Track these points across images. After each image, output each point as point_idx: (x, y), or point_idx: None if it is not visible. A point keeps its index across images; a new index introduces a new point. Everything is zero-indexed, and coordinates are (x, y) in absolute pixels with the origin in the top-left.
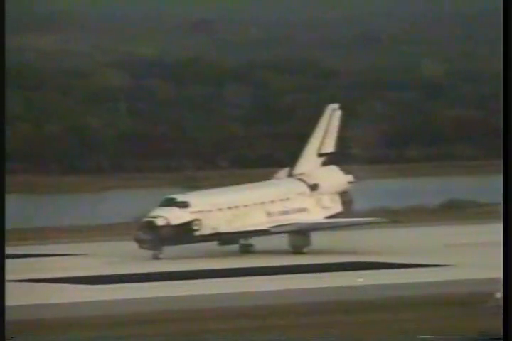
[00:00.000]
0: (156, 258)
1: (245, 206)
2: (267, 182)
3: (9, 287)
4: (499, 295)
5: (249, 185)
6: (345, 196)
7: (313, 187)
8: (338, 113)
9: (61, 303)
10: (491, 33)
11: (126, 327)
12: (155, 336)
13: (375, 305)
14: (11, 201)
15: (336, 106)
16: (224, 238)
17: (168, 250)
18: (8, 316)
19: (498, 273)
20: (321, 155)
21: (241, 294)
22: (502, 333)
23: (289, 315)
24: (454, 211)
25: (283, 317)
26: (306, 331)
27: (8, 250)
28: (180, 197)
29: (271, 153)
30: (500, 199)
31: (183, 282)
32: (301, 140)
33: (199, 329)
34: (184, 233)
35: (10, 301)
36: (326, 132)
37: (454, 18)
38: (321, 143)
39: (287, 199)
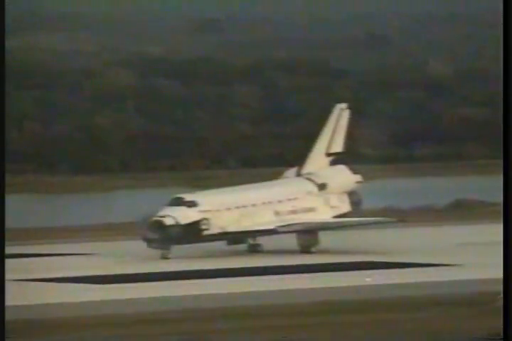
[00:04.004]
0: (164, 257)
1: (253, 205)
2: (275, 181)
3: (16, 286)
4: None
5: (258, 185)
6: (353, 195)
7: (322, 187)
8: (347, 112)
9: (70, 303)
10: (498, 32)
11: (135, 326)
12: (163, 335)
13: (384, 305)
14: (20, 200)
15: (344, 105)
16: (232, 237)
17: (177, 249)
18: (15, 315)
19: None
20: (329, 154)
21: (250, 293)
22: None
23: (298, 314)
24: (462, 210)
25: (291, 316)
26: (313, 331)
27: (17, 249)
28: (188, 197)
29: (279, 153)
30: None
31: (191, 281)
32: (310, 139)
33: (207, 328)
34: (192, 232)
35: (16, 301)
36: (334, 132)
37: (461, 18)
38: (330, 143)
39: (295, 198)
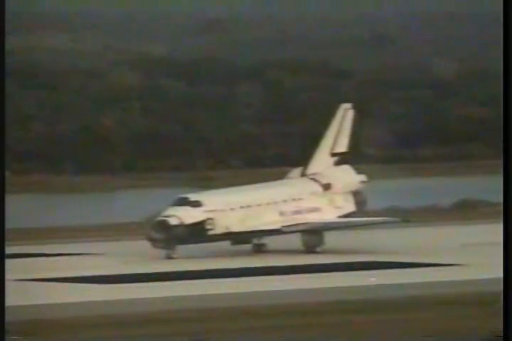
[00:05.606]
0: (169, 257)
1: (258, 205)
2: (280, 181)
3: (16, 286)
4: None
5: (262, 185)
6: (358, 195)
7: (326, 187)
8: (351, 113)
9: (71, 303)
10: (500, 32)
11: (140, 326)
12: (167, 335)
13: (387, 305)
14: (24, 200)
15: (348, 105)
16: (237, 237)
17: (181, 249)
18: (15, 316)
19: None
20: (333, 154)
21: (254, 294)
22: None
23: (302, 314)
24: (466, 210)
25: (296, 316)
26: (317, 330)
27: (17, 249)
28: (193, 197)
29: (283, 153)
30: None
31: (196, 281)
32: (314, 139)
33: (211, 328)
34: (197, 232)
35: (16, 301)
36: (338, 132)
37: (465, 18)
38: (334, 143)
39: (300, 198)
